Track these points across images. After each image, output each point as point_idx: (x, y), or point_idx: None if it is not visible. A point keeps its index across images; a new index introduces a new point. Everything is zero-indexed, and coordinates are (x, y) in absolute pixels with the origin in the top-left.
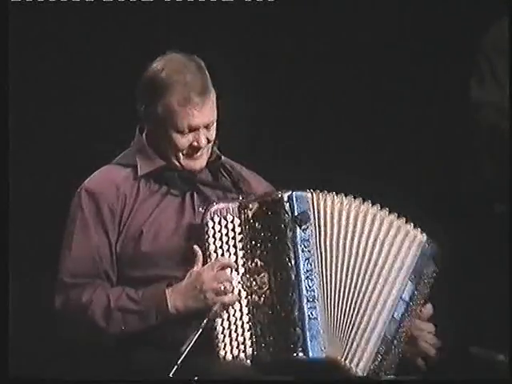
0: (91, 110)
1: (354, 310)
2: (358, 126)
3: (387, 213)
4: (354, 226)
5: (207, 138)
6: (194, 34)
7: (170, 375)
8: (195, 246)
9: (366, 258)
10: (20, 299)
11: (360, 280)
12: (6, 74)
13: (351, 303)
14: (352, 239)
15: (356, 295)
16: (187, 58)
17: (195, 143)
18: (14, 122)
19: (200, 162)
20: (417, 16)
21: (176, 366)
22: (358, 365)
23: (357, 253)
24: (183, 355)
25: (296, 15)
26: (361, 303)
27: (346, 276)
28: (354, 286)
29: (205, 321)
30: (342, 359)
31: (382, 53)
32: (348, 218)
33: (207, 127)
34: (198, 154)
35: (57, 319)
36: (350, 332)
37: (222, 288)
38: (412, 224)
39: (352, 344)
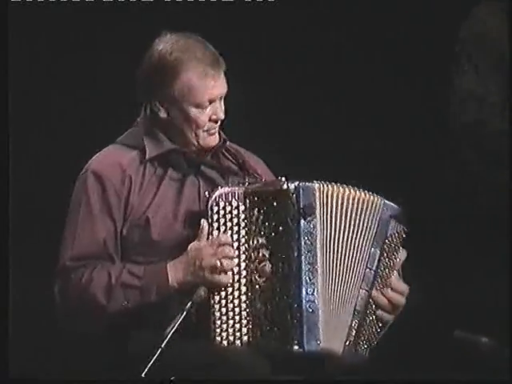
0: (90, 109)
1: (352, 303)
2: (357, 120)
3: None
4: (357, 219)
5: (223, 111)
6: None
7: (153, 358)
8: (202, 220)
9: (367, 251)
10: (20, 299)
11: (360, 274)
12: (5, 73)
13: (350, 297)
14: (355, 233)
15: (356, 289)
16: (187, 36)
17: (214, 116)
18: (13, 122)
19: (215, 137)
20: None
21: (160, 349)
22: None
23: (357, 246)
24: (167, 338)
25: (296, 15)
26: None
27: (347, 270)
28: (355, 280)
29: (189, 304)
30: (339, 351)
31: (382, 49)
32: (352, 210)
33: (221, 99)
34: (215, 130)
35: (56, 305)
36: (347, 324)
37: (219, 264)
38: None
39: (348, 334)
